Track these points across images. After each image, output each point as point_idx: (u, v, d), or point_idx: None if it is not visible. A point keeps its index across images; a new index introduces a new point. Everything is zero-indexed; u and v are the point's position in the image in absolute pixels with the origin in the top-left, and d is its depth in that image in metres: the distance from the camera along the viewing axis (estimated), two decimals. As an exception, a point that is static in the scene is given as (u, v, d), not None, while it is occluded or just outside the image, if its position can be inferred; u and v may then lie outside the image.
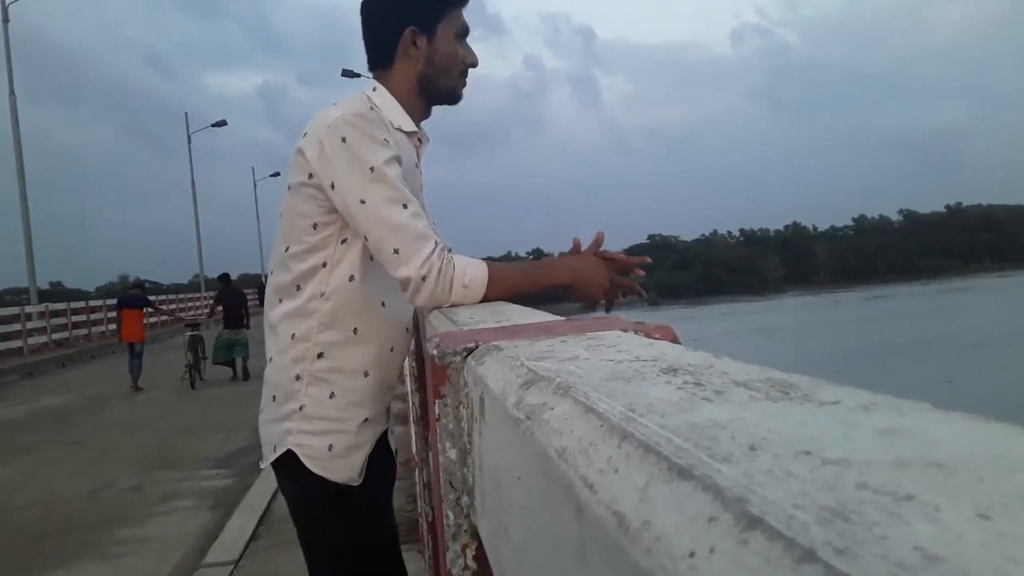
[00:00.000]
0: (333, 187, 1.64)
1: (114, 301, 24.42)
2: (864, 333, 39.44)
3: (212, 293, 16.95)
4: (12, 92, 22.64)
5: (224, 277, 14.68)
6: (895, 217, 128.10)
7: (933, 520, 0.23)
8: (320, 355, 1.73)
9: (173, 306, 31.33)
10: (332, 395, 1.74)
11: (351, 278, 1.72)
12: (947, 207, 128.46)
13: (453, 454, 0.81)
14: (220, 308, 13.94)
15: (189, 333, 13.67)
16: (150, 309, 15.20)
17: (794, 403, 0.39)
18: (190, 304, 35.34)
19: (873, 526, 0.23)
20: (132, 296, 14.46)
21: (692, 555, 0.25)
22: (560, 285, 1.71)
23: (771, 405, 0.39)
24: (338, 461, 1.73)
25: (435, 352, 0.83)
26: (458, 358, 0.82)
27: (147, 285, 16.32)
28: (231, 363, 13.57)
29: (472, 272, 1.62)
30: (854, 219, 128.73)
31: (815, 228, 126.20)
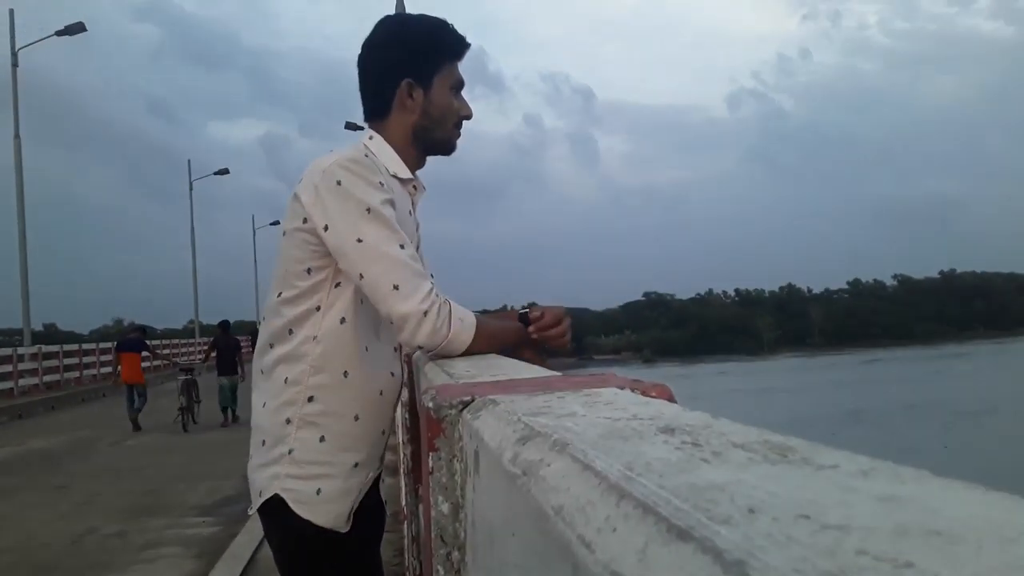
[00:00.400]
0: (327, 229, 1.66)
1: (108, 344, 24.64)
2: (860, 396, 39.28)
3: (206, 339, 17.23)
4: (17, 135, 22.83)
5: (223, 324, 14.93)
6: (889, 282, 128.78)
7: (934, 589, 0.23)
8: (311, 399, 1.73)
9: (168, 351, 31.28)
10: (322, 439, 1.73)
11: (342, 320, 1.73)
12: (941, 273, 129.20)
13: (445, 508, 0.80)
14: (214, 354, 14.19)
15: (183, 377, 13.83)
16: (147, 353, 15.21)
17: (793, 466, 0.39)
18: (183, 350, 35.27)
19: (874, 593, 0.22)
20: (130, 340, 14.73)
21: (691, 618, 0.25)
22: (516, 341, 1.77)
23: (770, 468, 0.39)
24: (326, 505, 1.72)
25: (431, 404, 0.83)
26: (454, 411, 0.81)
27: (147, 329, 16.30)
28: (224, 409, 13.68)
29: (463, 311, 1.66)
30: (849, 282, 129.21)
31: (810, 290, 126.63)
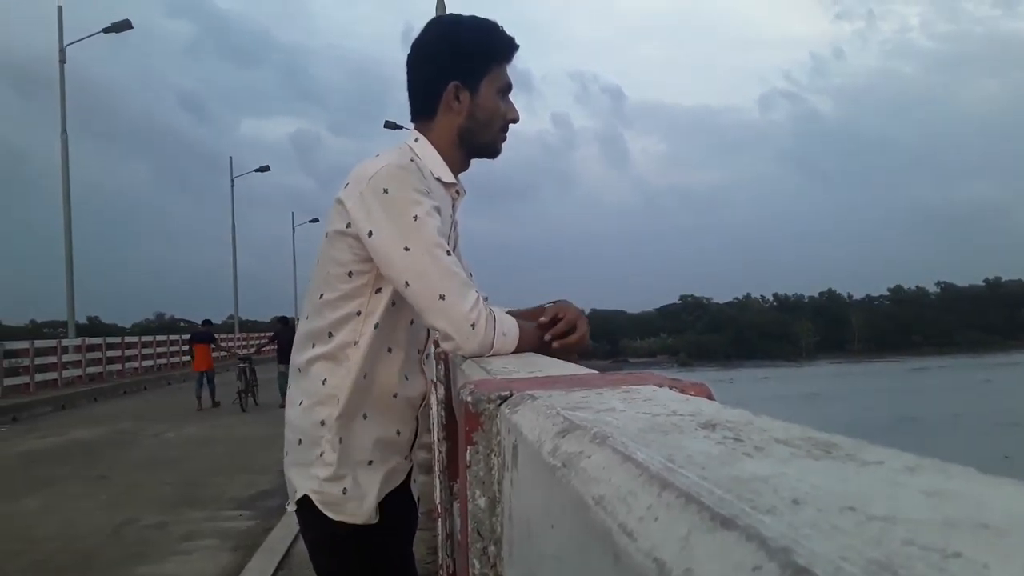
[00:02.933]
0: (371, 235, 1.66)
1: (149, 338, 26.50)
2: (908, 404, 38.43)
3: (246, 334, 19.40)
4: (64, 130, 23.29)
5: (283, 319, 17.50)
6: (932, 289, 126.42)
7: (983, 578, 0.22)
8: (340, 401, 1.75)
9: (230, 343, 32.59)
10: (355, 441, 1.75)
11: (376, 326, 1.74)
12: (986, 281, 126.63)
13: (482, 502, 0.80)
14: (270, 347, 16.97)
15: (240, 365, 16.23)
16: (214, 345, 17.55)
17: (836, 461, 0.38)
18: (240, 343, 36.46)
19: (922, 581, 0.22)
20: (201, 333, 17.63)
21: (734, 605, 0.25)
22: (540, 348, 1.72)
23: (813, 463, 0.39)
24: (353, 504, 1.74)
25: (469, 399, 0.83)
26: (492, 406, 0.81)
27: (193, 324, 18.71)
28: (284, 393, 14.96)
29: (508, 323, 1.65)
30: (890, 289, 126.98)
31: (850, 296, 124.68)
